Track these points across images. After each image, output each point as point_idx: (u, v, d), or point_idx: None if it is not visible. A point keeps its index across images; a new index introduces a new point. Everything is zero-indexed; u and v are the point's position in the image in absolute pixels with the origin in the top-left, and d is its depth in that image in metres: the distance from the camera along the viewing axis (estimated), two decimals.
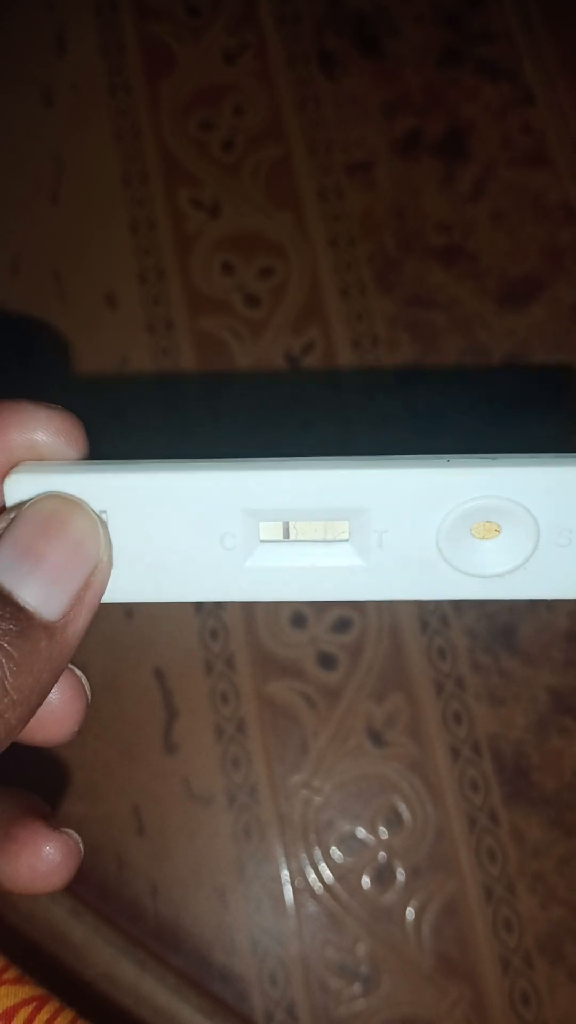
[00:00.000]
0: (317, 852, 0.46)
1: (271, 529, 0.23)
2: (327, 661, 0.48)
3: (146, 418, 0.49)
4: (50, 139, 0.52)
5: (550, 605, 0.47)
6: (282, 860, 0.46)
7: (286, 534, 0.23)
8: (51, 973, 0.44)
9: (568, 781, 0.47)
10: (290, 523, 0.23)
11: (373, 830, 0.47)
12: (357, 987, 0.45)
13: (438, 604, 0.48)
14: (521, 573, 0.23)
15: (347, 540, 0.23)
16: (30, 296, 0.51)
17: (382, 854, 0.46)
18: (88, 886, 0.46)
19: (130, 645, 0.48)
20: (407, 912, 0.46)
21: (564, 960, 0.46)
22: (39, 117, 0.53)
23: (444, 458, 0.23)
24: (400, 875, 0.46)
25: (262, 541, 0.23)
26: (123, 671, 0.48)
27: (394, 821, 0.47)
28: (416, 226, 0.51)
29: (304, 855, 0.46)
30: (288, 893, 0.46)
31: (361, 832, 0.47)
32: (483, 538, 0.23)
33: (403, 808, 0.47)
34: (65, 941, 0.45)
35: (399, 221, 0.51)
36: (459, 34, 0.54)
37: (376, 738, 0.47)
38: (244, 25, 0.54)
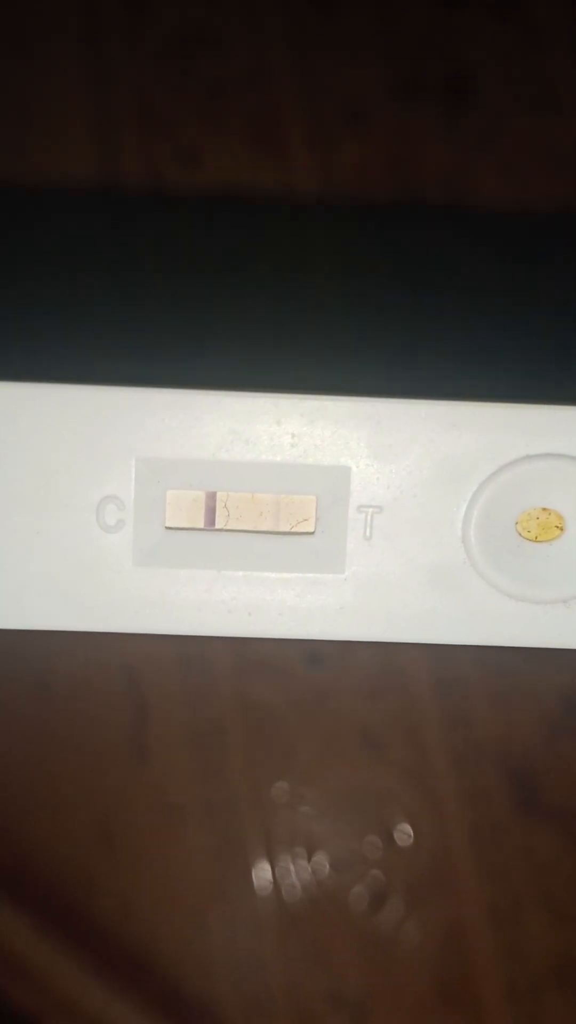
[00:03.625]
0: (304, 868, 0.46)
1: (186, 506, 0.16)
2: (315, 657, 0.47)
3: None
4: (20, 86, 0.51)
5: None
6: (265, 877, 0.46)
7: (210, 518, 0.16)
8: (7, 1000, 0.45)
9: None
10: (219, 496, 0.16)
11: (366, 844, 0.46)
12: (347, 1016, 0.45)
13: None
14: None
15: (312, 533, 0.17)
16: None
17: (376, 871, 0.46)
18: (53, 905, 0.46)
19: (97, 639, 0.47)
20: (402, 934, 0.45)
21: None
22: (3, 56, 0.52)
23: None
24: (396, 893, 0.46)
25: (169, 528, 0.17)
26: (89, 668, 0.47)
27: (389, 834, 0.46)
28: (415, 178, 0.50)
29: (289, 871, 0.46)
30: (272, 912, 0.46)
31: (353, 846, 0.46)
32: (537, 539, 0.17)
33: (399, 820, 0.46)
34: (25, 964, 0.45)
35: (397, 173, 0.50)
36: None
37: (369, 741, 0.47)
38: None
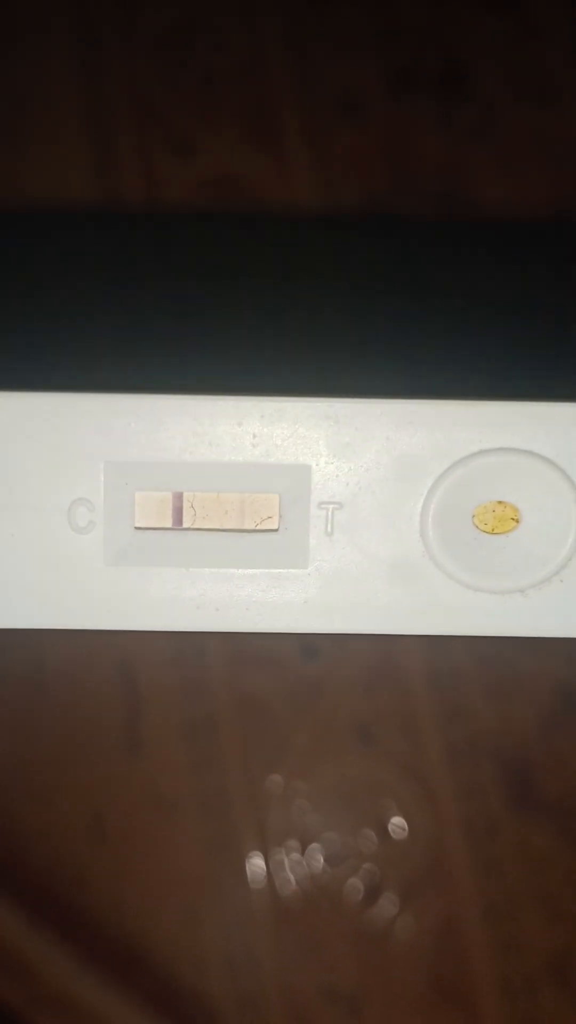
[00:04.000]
0: (298, 861, 0.46)
1: (154, 506, 0.17)
2: (309, 650, 0.47)
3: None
4: (13, 77, 0.52)
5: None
6: (259, 870, 0.46)
7: (178, 517, 0.17)
8: (1, 992, 0.45)
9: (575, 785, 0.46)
10: (185, 496, 0.17)
11: (360, 837, 0.46)
12: (341, 1011, 0.45)
13: None
14: (556, 588, 0.17)
15: (276, 531, 0.17)
16: None
17: (370, 864, 0.46)
18: (45, 898, 0.46)
19: (91, 633, 0.47)
20: (397, 928, 0.46)
21: (572, 984, 0.45)
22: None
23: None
24: (390, 888, 0.46)
25: (138, 528, 0.17)
26: (83, 661, 0.47)
27: (384, 828, 0.46)
28: (410, 169, 0.50)
29: (283, 865, 0.46)
30: (265, 906, 0.46)
31: (347, 840, 0.46)
32: (494, 531, 0.17)
33: (394, 814, 0.46)
34: (17, 957, 0.45)
35: (392, 164, 0.50)
36: None
37: (364, 735, 0.47)
38: None
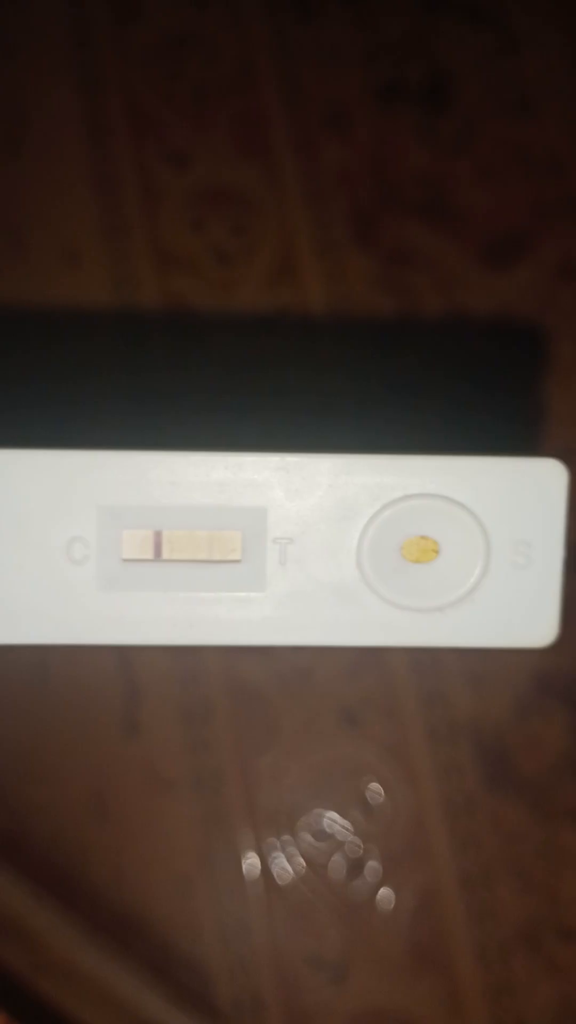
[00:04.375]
0: (287, 837, 0.47)
1: (138, 542, 0.20)
2: None
3: (109, 381, 0.49)
4: (10, 89, 0.53)
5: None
6: (250, 845, 0.47)
7: (158, 551, 0.20)
8: (6, 959, 0.46)
9: (549, 765, 0.48)
10: (163, 533, 0.20)
11: (345, 814, 0.47)
12: (327, 976, 0.46)
13: None
14: (468, 607, 0.20)
15: (239, 561, 0.20)
16: None
17: (355, 839, 0.47)
18: (49, 872, 0.47)
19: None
20: (379, 900, 0.47)
21: (543, 951, 0.46)
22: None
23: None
24: (373, 861, 0.47)
25: (125, 560, 0.20)
26: (84, 649, 0.48)
27: (368, 806, 0.47)
28: (395, 180, 0.51)
29: (273, 840, 0.47)
30: (256, 879, 0.47)
31: (333, 816, 0.47)
32: (417, 561, 0.20)
33: (377, 792, 0.48)
34: (23, 927, 0.46)
35: (377, 176, 0.51)
36: None
37: (349, 718, 0.48)
38: None
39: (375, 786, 0.48)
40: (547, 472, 0.20)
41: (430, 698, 0.48)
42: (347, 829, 0.47)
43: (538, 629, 0.21)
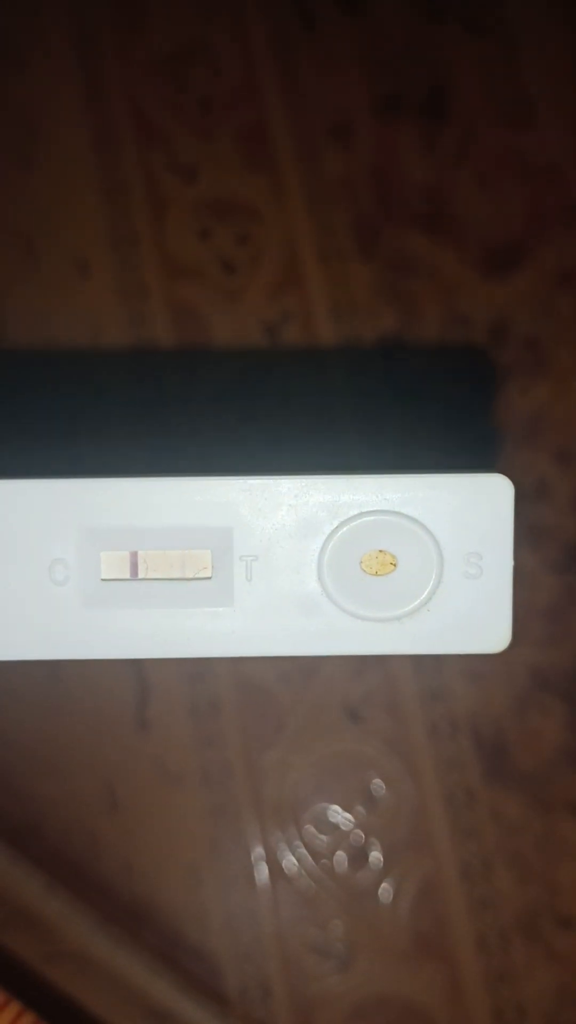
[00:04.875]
0: (292, 829, 0.48)
1: (116, 562, 0.21)
2: None
3: (119, 392, 0.51)
4: (21, 103, 0.54)
5: (530, 580, 0.49)
6: (256, 837, 0.48)
7: (134, 570, 0.21)
8: (21, 947, 0.47)
9: (546, 758, 0.49)
10: (139, 554, 0.21)
11: (349, 808, 0.49)
12: (332, 964, 0.48)
13: None
14: (425, 616, 0.21)
15: (209, 578, 0.21)
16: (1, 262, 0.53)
17: (358, 832, 0.48)
18: (62, 863, 0.48)
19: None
20: (382, 890, 0.48)
21: (541, 939, 0.48)
22: (8, 78, 0.54)
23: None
24: (376, 853, 0.48)
25: (104, 580, 0.21)
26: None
27: (371, 799, 0.49)
28: (396, 190, 0.53)
29: (279, 832, 0.48)
30: (262, 870, 0.48)
31: (337, 810, 0.49)
32: (377, 574, 0.21)
33: (380, 786, 0.49)
34: (39, 916, 0.47)
35: (379, 185, 0.53)
36: None
37: (353, 715, 0.49)
38: None
39: (378, 780, 0.49)
40: (494, 487, 0.21)
41: (431, 695, 0.49)
42: (351, 822, 0.49)
43: (492, 635, 0.21)
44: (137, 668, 0.49)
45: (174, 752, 0.49)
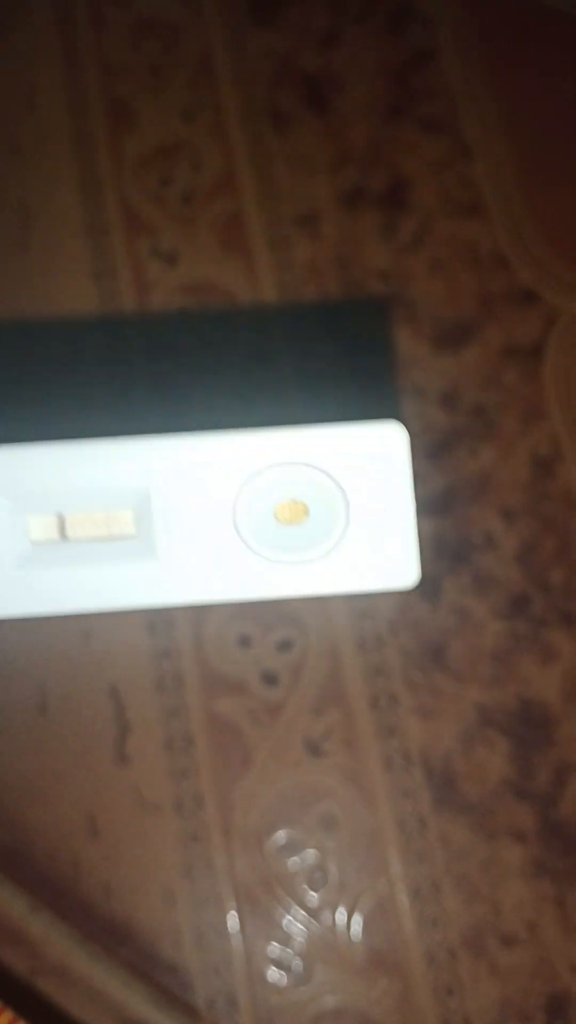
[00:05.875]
0: (258, 855, 0.51)
1: (44, 526, 0.21)
2: (270, 678, 0.51)
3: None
4: (20, 193, 0.58)
5: (478, 625, 0.52)
6: (226, 862, 0.50)
7: (62, 532, 0.22)
8: (7, 963, 0.49)
9: (491, 789, 0.51)
10: (66, 517, 0.22)
11: (311, 834, 0.51)
12: (292, 978, 0.50)
13: (374, 626, 0.51)
14: (336, 559, 0.22)
15: (134, 536, 0.22)
16: None
17: (318, 856, 0.51)
18: (45, 885, 0.50)
19: (87, 663, 0.51)
20: (340, 909, 0.50)
21: (486, 955, 0.50)
22: (8, 168, 0.58)
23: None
24: (334, 875, 0.50)
25: (33, 542, 0.22)
26: (80, 688, 0.51)
27: (330, 826, 0.51)
28: (358, 274, 0.56)
29: (246, 857, 0.50)
30: (231, 892, 0.50)
31: (299, 835, 0.51)
32: (290, 522, 0.22)
33: (339, 814, 0.51)
34: (25, 934, 0.49)
35: (343, 270, 0.56)
36: (403, 91, 0.59)
37: (314, 749, 0.51)
38: (201, 84, 0.59)
39: (337, 809, 0.51)
40: (390, 434, 0.21)
41: (386, 731, 0.52)
42: (311, 847, 0.51)
43: (401, 572, 0.22)
44: (118, 703, 0.52)
45: (151, 783, 0.51)
